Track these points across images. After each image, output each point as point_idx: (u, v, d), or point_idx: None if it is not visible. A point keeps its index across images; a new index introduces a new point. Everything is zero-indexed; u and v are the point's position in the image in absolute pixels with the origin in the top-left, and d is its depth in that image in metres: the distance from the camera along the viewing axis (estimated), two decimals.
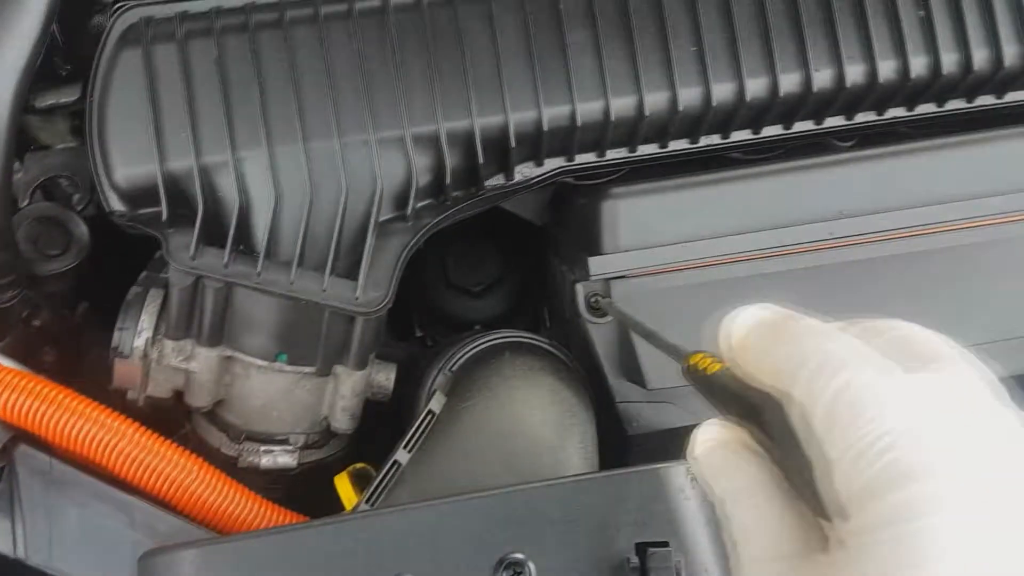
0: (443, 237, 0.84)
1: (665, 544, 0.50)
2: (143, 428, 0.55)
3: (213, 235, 0.58)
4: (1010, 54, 0.62)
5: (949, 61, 0.62)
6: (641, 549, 0.51)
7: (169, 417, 0.65)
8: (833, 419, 0.28)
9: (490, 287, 0.92)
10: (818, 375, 0.29)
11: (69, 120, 0.66)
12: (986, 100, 0.66)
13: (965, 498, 0.25)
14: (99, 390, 0.60)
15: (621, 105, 0.60)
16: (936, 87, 0.63)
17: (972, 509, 0.25)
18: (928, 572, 0.24)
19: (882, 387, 0.28)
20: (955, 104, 0.66)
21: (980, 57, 0.62)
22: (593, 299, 0.60)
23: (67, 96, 0.64)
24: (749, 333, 0.32)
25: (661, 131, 0.62)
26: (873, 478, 0.26)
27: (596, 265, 0.60)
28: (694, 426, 0.62)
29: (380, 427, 0.71)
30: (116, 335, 0.61)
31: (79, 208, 0.66)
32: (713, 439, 0.33)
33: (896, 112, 0.66)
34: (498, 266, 0.92)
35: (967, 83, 0.63)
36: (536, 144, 0.61)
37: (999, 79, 0.64)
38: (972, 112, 0.66)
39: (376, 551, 0.50)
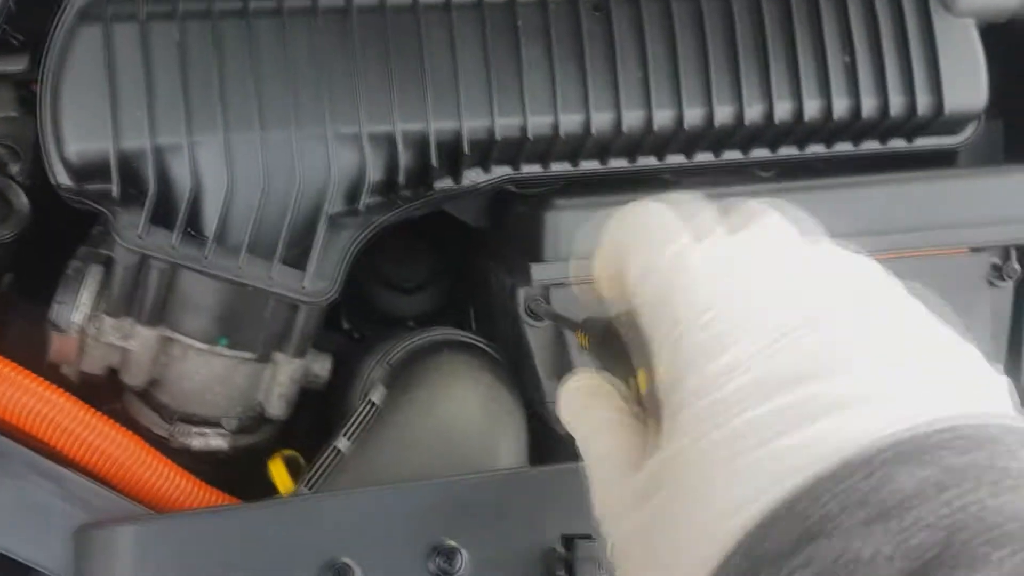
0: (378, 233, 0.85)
1: (589, 537, 0.54)
2: (79, 401, 0.55)
3: (162, 216, 0.59)
4: (923, 104, 0.68)
5: (868, 105, 0.67)
6: (568, 541, 0.54)
7: (99, 394, 0.65)
8: (651, 313, 0.32)
9: (421, 285, 0.94)
10: (633, 263, 0.33)
11: (14, 90, 0.65)
12: (898, 144, 0.72)
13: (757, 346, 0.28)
14: (24, 363, 0.60)
15: (569, 122, 0.63)
16: (855, 128, 0.69)
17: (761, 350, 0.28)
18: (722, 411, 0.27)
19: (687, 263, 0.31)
20: (870, 145, 0.71)
21: (895, 103, 0.68)
22: (533, 303, 0.63)
23: (15, 65, 0.63)
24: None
25: (603, 149, 0.66)
26: (678, 366, 0.30)
27: (537, 272, 0.63)
28: None
29: (303, 415, 0.72)
30: (54, 308, 0.60)
31: (18, 179, 0.65)
32: (574, 387, 0.37)
33: (816, 149, 0.71)
34: (430, 265, 0.94)
35: (883, 126, 0.69)
36: (487, 152, 0.63)
37: (910, 125, 0.70)
38: (884, 153, 0.72)
39: (313, 534, 0.52)
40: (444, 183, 0.66)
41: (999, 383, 0.29)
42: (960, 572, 0.22)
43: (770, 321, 0.29)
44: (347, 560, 0.51)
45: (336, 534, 0.52)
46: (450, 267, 0.95)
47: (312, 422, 0.75)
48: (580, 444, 0.36)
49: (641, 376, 0.33)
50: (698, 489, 0.27)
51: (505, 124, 0.62)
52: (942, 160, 0.74)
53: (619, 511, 0.31)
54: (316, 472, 0.56)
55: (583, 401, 0.36)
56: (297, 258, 0.60)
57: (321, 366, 0.69)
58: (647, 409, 0.33)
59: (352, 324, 1.00)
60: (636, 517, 0.30)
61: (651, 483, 0.30)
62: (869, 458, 0.25)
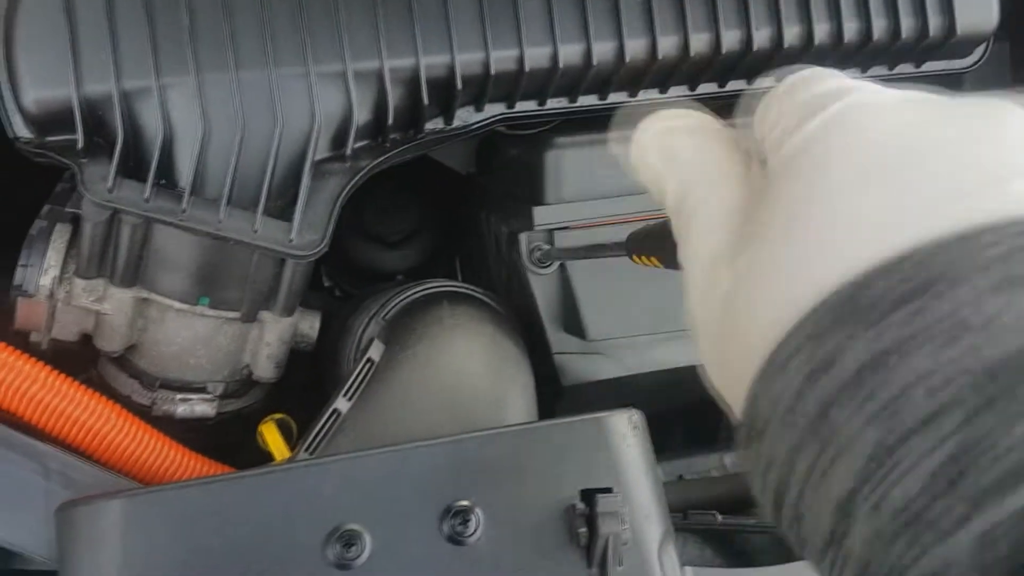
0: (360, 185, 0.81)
1: (610, 491, 0.51)
2: (55, 371, 0.51)
3: (133, 167, 0.54)
4: (935, 25, 0.65)
5: (879, 27, 0.64)
6: (587, 495, 0.51)
7: (73, 363, 0.61)
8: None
9: (406, 238, 0.90)
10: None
11: None
12: (907, 68, 0.68)
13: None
14: None
15: (569, 52, 0.59)
16: (865, 51, 0.65)
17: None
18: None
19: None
20: (878, 70, 0.68)
21: (907, 25, 0.64)
22: (535, 249, 0.59)
23: None
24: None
25: (604, 82, 0.62)
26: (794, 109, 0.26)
27: (540, 215, 0.59)
28: (627, 376, 0.62)
29: (293, 378, 0.68)
30: (19, 272, 0.56)
31: None
32: (665, 125, 0.31)
33: None
34: (416, 217, 0.90)
35: (893, 49, 0.66)
36: (481, 88, 0.59)
37: (921, 48, 0.66)
38: (892, 77, 0.69)
39: (318, 500, 0.48)
40: (435, 124, 0.61)
41: None
42: None
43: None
44: (355, 526, 0.48)
45: (342, 500, 0.48)
46: (436, 219, 0.91)
47: (302, 384, 0.71)
48: (676, 187, 0.30)
49: None
50: (802, 234, 0.24)
51: (500, 56, 0.57)
52: (949, 83, 0.71)
53: (718, 257, 0.27)
54: (316, 435, 0.52)
55: (684, 140, 0.30)
56: (282, 209, 0.56)
57: (310, 325, 0.65)
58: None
59: (333, 281, 0.95)
60: (737, 263, 0.27)
61: (757, 229, 0.26)
62: (1002, 227, 0.22)
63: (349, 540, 0.48)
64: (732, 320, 0.26)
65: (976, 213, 0.22)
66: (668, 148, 0.30)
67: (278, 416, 0.64)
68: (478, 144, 0.77)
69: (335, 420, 0.53)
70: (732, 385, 0.26)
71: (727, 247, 0.27)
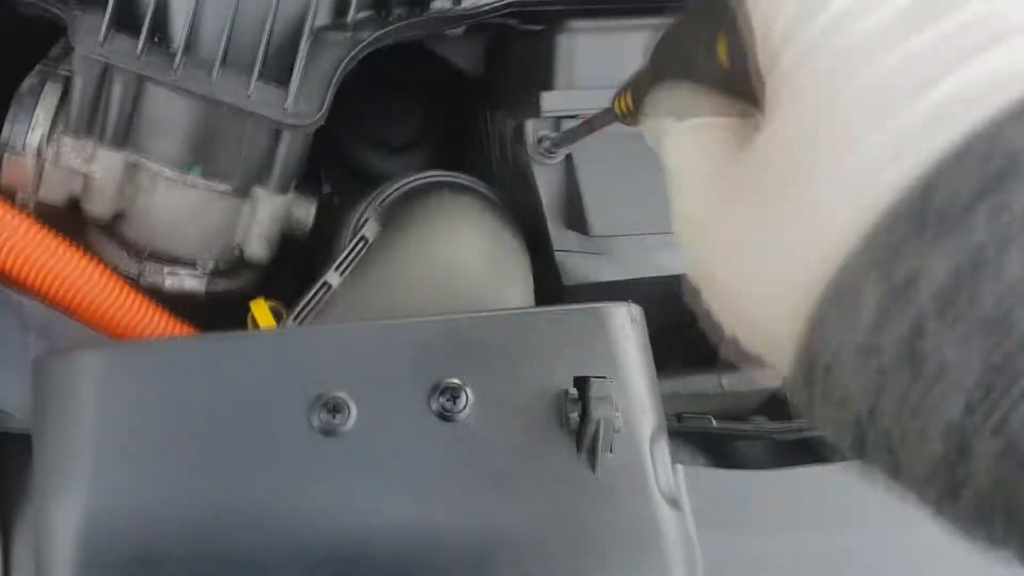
0: (360, 87, 0.79)
1: (604, 378, 0.49)
2: (36, 223, 0.49)
3: (126, 20, 0.52)
4: None
5: None
6: (580, 381, 0.49)
7: (60, 228, 0.59)
8: None
9: (410, 143, 0.88)
10: None
11: None
12: None
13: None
14: None
15: None
16: None
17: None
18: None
19: None
20: None
21: None
22: (542, 139, 0.57)
23: None
24: None
25: None
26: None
27: (549, 101, 0.57)
28: (629, 280, 0.60)
29: (287, 269, 0.67)
30: (6, 129, 0.54)
31: None
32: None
33: None
34: (420, 121, 0.87)
35: None
36: None
37: None
38: None
39: (304, 366, 0.47)
40: (443, 3, 0.59)
41: None
42: None
43: None
44: (341, 394, 0.47)
45: (330, 368, 0.47)
46: (442, 125, 0.89)
47: (297, 276, 0.70)
48: (664, 149, 0.28)
49: (721, 46, 0.26)
50: (830, 153, 0.21)
51: None
52: None
53: (715, 207, 0.25)
54: (304, 306, 0.50)
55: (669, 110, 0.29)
56: (279, 76, 0.54)
57: (305, 211, 0.63)
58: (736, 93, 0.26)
59: (334, 188, 0.93)
60: (745, 204, 0.24)
61: (757, 166, 0.23)
62: None
63: (335, 407, 0.47)
64: (763, 250, 0.23)
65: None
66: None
67: (272, 303, 0.62)
68: (488, 42, 0.75)
69: (326, 292, 0.51)
70: (763, 325, 0.24)
71: (725, 188, 0.24)
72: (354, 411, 0.47)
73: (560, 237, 0.60)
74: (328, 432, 0.46)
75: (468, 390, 0.49)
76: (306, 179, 0.85)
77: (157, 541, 0.41)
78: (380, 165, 0.88)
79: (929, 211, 0.19)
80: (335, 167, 0.90)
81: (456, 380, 0.49)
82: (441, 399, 0.48)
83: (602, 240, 0.57)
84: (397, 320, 0.49)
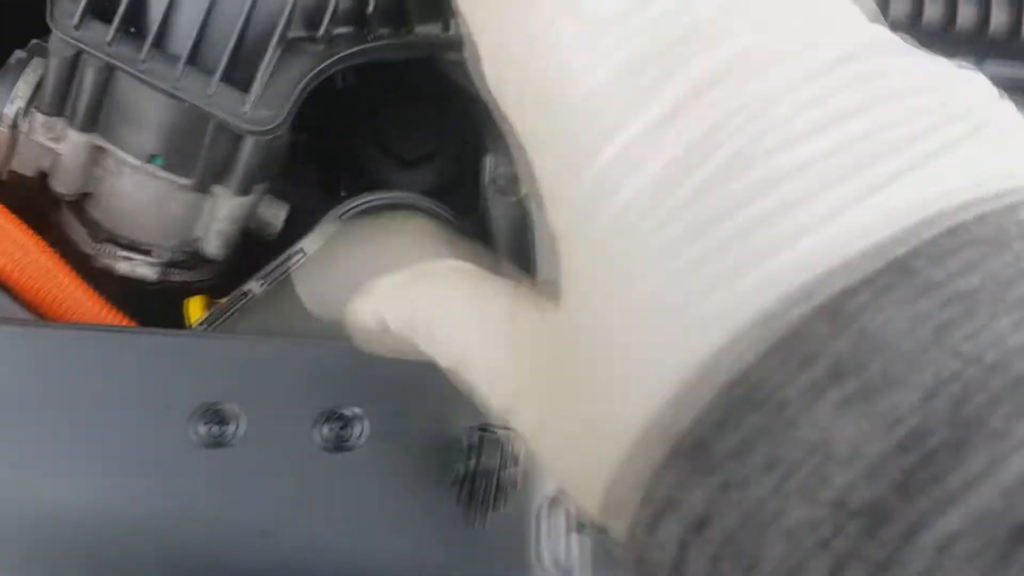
0: (379, 98, 0.79)
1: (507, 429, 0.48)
2: None
3: (104, 8, 0.53)
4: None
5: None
6: (483, 429, 0.48)
7: (34, 202, 0.61)
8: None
9: (426, 156, 0.87)
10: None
11: None
12: None
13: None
14: None
15: None
16: None
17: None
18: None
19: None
20: None
21: None
22: (499, 176, 0.56)
23: None
24: None
25: None
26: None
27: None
28: None
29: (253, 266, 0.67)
30: None
31: None
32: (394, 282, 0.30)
33: None
34: (436, 136, 0.87)
35: None
36: None
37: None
38: None
39: (196, 372, 0.47)
40: (429, 28, 0.58)
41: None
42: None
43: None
44: (231, 406, 0.46)
45: (222, 378, 0.46)
46: (456, 143, 0.88)
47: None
48: (440, 346, 0.30)
49: None
50: (607, 361, 0.21)
51: None
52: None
53: (526, 390, 0.26)
54: (219, 313, 0.50)
55: (420, 286, 0.30)
56: (244, 81, 0.54)
57: (274, 214, 0.63)
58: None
59: (351, 195, 0.94)
60: (550, 386, 0.24)
61: (558, 347, 0.24)
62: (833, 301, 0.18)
63: (223, 418, 0.47)
64: (563, 437, 0.24)
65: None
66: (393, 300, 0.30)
67: (218, 301, 0.63)
68: None
69: (244, 301, 0.51)
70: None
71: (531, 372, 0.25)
72: (243, 426, 0.47)
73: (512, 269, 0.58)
74: (211, 443, 0.46)
75: (365, 421, 0.48)
76: (323, 189, 0.86)
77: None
78: (393, 177, 0.88)
79: (681, 440, 0.19)
80: (352, 176, 0.90)
81: (356, 409, 0.48)
82: (334, 425, 0.48)
83: (546, 284, 0.55)
84: (301, 338, 0.48)
